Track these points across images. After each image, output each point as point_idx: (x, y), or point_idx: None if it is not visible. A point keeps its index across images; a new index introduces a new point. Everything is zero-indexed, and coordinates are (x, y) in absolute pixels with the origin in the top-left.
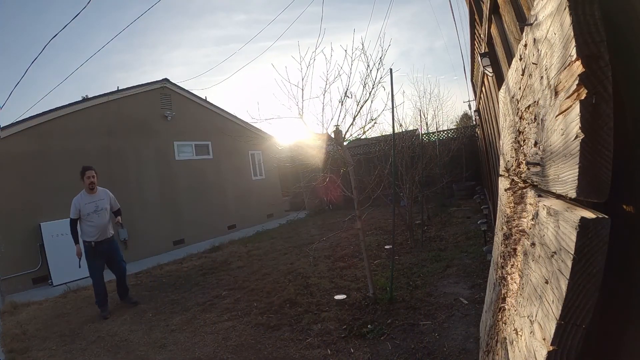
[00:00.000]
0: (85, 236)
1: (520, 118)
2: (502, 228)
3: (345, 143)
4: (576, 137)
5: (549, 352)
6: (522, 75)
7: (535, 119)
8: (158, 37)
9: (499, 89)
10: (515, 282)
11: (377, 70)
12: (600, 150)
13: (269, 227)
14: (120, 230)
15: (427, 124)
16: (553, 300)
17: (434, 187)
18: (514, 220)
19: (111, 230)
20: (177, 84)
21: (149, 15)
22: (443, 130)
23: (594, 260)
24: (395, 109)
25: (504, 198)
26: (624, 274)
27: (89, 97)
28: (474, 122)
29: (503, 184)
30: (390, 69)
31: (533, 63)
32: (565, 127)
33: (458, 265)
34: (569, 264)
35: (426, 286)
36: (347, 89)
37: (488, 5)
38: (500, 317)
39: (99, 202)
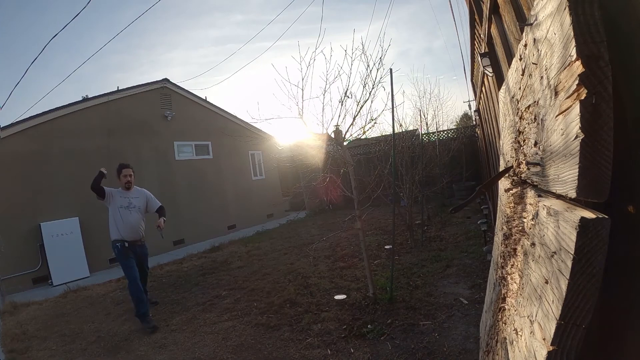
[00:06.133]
0: (116, 235)
1: (520, 118)
2: (502, 228)
3: (345, 143)
4: (576, 137)
5: (549, 352)
6: (522, 75)
7: (535, 119)
8: (156, 37)
9: (499, 89)
10: (515, 282)
11: (377, 70)
12: (600, 150)
13: (269, 227)
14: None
15: (427, 124)
16: (553, 300)
17: (434, 187)
18: (514, 220)
19: (143, 233)
20: (177, 84)
21: (146, 16)
22: (443, 130)
23: (594, 260)
24: (395, 109)
25: (504, 198)
26: (623, 274)
27: (89, 97)
28: (474, 122)
29: (503, 184)
30: (390, 69)
31: (533, 63)
32: (565, 127)
33: (458, 265)
34: (569, 264)
35: (426, 286)
36: (347, 89)
37: (488, 5)
38: (500, 317)
39: (133, 199)
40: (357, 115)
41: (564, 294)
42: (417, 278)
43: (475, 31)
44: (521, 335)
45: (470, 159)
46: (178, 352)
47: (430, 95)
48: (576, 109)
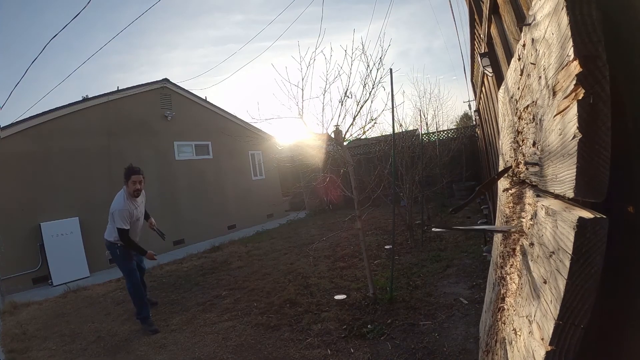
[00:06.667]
0: (118, 239)
1: (519, 118)
2: None
3: (345, 143)
4: (574, 137)
5: (547, 352)
6: (521, 75)
7: (533, 119)
8: (156, 37)
9: (498, 89)
10: (514, 282)
11: (377, 70)
12: (598, 150)
13: (269, 227)
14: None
15: (427, 124)
16: (551, 300)
17: (434, 187)
18: (513, 220)
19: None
20: (177, 84)
21: (146, 16)
22: (443, 130)
23: (592, 260)
24: (395, 109)
25: (503, 198)
26: (622, 274)
27: (89, 97)
28: (474, 122)
29: (502, 184)
30: (390, 69)
31: (531, 63)
32: (563, 127)
33: (458, 265)
34: (567, 263)
35: (426, 286)
36: (347, 89)
37: (488, 5)
38: (499, 317)
39: (140, 206)
40: (357, 115)
41: (562, 294)
42: (417, 278)
43: (475, 31)
44: (520, 335)
45: (470, 159)
46: (178, 352)
47: (430, 95)
48: (574, 109)
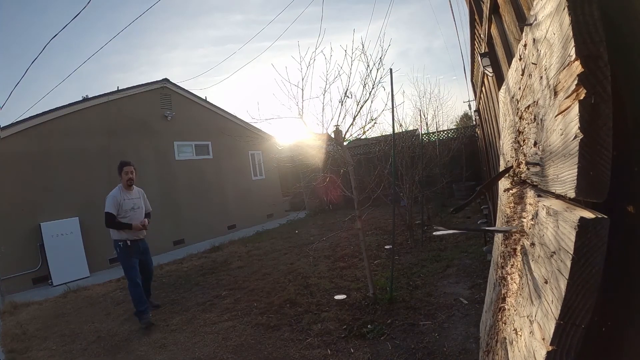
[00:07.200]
0: (120, 235)
1: (520, 118)
2: None
3: (345, 143)
4: (575, 137)
5: (548, 352)
6: (522, 75)
7: (534, 119)
8: (156, 38)
9: (499, 89)
10: (515, 282)
11: (377, 70)
12: (599, 151)
13: (269, 227)
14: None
15: (427, 124)
16: (552, 300)
17: (434, 187)
18: (513, 220)
19: (144, 231)
20: (177, 84)
21: (146, 16)
22: (443, 130)
23: (593, 260)
24: (395, 109)
25: (503, 198)
26: (623, 274)
27: (89, 97)
28: (474, 122)
29: (503, 184)
30: (390, 69)
31: (532, 63)
32: (564, 127)
33: (458, 265)
34: (568, 264)
35: (426, 286)
36: (347, 89)
37: (488, 5)
38: (500, 317)
39: (135, 200)
40: (357, 115)
41: (563, 293)
42: (417, 278)
43: (475, 31)
44: (521, 335)
45: (470, 159)
46: (178, 352)
47: (430, 95)
48: (575, 109)
